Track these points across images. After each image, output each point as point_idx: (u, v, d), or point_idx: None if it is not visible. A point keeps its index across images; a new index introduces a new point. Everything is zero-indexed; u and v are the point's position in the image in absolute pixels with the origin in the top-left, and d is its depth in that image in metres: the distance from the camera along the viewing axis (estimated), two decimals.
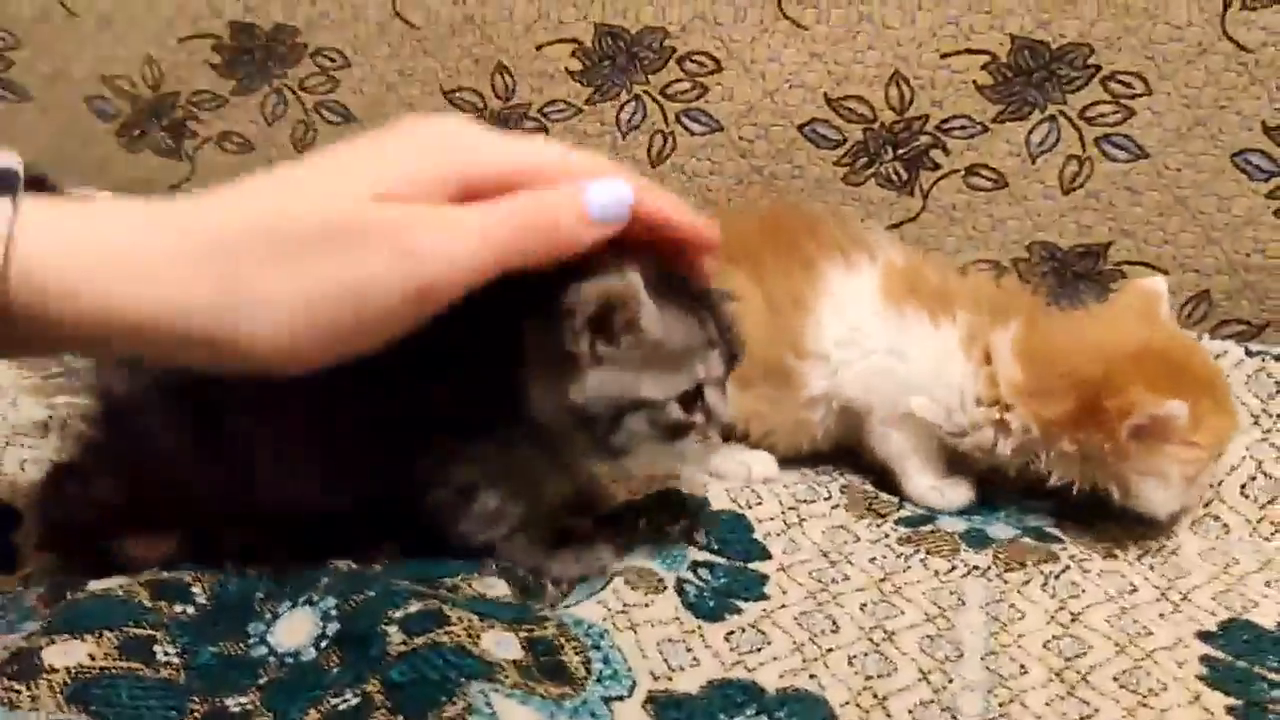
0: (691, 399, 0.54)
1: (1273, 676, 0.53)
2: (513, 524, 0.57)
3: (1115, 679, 0.53)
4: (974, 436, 0.67)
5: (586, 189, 0.47)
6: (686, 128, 0.88)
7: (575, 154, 0.49)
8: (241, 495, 0.55)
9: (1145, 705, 0.51)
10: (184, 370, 0.49)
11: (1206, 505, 0.69)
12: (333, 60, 0.93)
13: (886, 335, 0.69)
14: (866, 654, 0.54)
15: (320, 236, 0.43)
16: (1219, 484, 0.69)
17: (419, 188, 0.44)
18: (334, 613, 0.52)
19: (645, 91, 0.88)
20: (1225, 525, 0.67)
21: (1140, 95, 0.81)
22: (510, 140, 0.48)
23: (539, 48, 0.89)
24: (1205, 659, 0.54)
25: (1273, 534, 0.66)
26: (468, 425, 0.55)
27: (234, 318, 0.42)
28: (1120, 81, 0.81)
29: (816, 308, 0.70)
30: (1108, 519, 0.67)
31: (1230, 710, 0.50)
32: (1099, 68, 0.81)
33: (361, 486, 0.56)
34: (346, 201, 0.43)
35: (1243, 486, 0.69)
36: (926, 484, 0.69)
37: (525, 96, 0.90)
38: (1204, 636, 0.56)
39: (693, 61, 0.87)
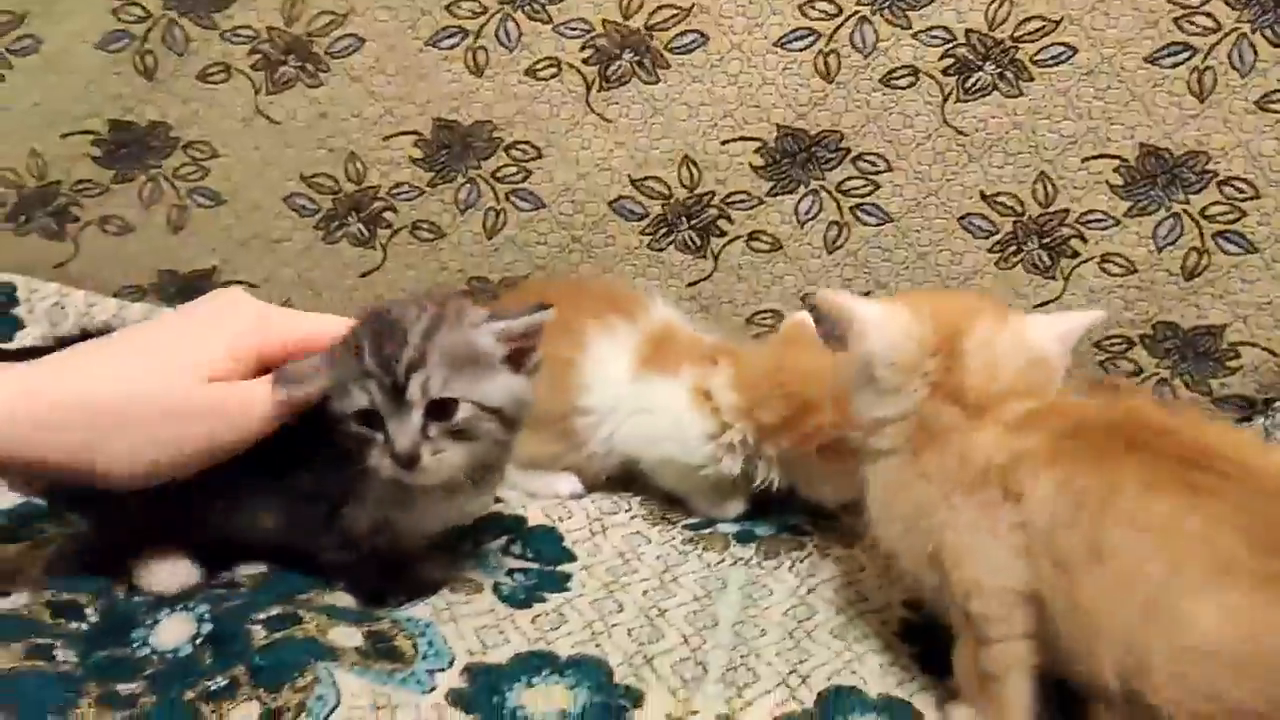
0: (367, 419, 0.63)
1: None
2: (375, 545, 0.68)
3: (831, 632, 0.68)
4: (713, 466, 0.80)
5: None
6: (516, 205, 1.03)
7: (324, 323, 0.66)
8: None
9: (849, 650, 0.66)
10: None
11: None
12: (203, 152, 1.05)
13: (638, 396, 0.81)
14: (642, 626, 0.68)
15: (160, 414, 0.60)
16: None
17: (231, 367, 0.62)
18: (207, 616, 0.64)
19: (479, 175, 1.03)
20: None
21: (884, 171, 0.98)
22: (286, 318, 0.66)
23: (385, 139, 1.03)
24: (902, 619, 0.70)
25: None
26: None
27: (92, 466, 0.60)
28: (867, 161, 0.98)
29: (584, 371, 0.82)
30: (852, 516, 0.83)
31: (914, 656, 0.66)
32: (849, 150, 0.98)
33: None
34: (180, 386, 0.61)
35: None
36: (704, 504, 0.83)
37: (375, 180, 1.04)
38: (906, 604, 0.71)
39: (518, 149, 1.01)
